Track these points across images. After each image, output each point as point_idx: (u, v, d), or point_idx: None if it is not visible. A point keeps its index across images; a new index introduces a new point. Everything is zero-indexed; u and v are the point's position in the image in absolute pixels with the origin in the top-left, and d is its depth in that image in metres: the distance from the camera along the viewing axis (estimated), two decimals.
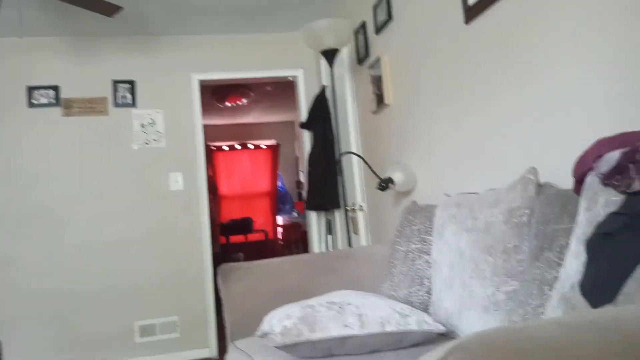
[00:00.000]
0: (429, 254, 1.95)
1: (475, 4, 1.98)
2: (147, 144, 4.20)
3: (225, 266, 2.24)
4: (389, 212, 3.03)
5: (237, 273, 2.21)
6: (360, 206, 3.42)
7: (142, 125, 4.22)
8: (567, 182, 1.41)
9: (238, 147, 8.50)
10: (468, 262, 1.61)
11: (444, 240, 1.81)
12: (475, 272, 1.56)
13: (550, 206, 1.35)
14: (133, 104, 4.22)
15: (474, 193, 1.86)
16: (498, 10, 1.87)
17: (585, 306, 0.94)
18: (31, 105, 4.05)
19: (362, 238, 3.40)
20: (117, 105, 4.19)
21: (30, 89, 4.06)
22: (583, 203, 1.11)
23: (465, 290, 1.59)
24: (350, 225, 3.54)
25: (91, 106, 4.15)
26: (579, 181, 1.16)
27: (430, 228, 1.99)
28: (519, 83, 1.79)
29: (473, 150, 2.12)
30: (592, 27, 1.45)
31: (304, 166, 4.33)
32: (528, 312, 1.25)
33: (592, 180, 1.10)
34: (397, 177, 2.65)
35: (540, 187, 1.48)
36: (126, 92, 4.23)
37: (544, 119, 1.67)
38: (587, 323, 0.54)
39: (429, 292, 1.90)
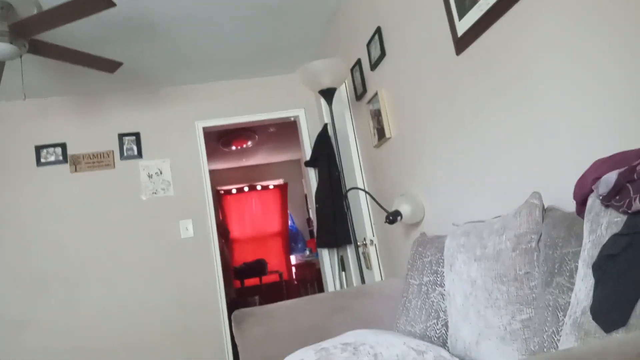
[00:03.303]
0: (442, 286, 1.92)
1: (465, 33, 2.01)
2: (155, 193, 4.24)
3: (238, 312, 2.22)
4: (400, 244, 3.01)
5: (250, 318, 2.20)
6: (371, 240, 3.40)
7: (150, 176, 4.26)
8: (570, 203, 1.40)
9: (246, 189, 8.53)
10: (481, 292, 1.59)
11: (455, 271, 1.79)
12: (489, 302, 1.54)
13: (557, 230, 1.34)
14: (139, 155, 4.28)
15: (481, 221, 1.86)
16: (487, 38, 1.90)
17: (597, 331, 0.93)
18: (40, 164, 4.12)
19: (375, 272, 3.37)
20: (123, 157, 4.25)
21: (38, 148, 4.14)
22: (586, 225, 1.10)
23: (481, 320, 1.57)
24: (363, 261, 3.51)
25: (98, 160, 4.22)
26: (581, 203, 1.16)
27: (442, 259, 1.97)
28: (513, 108, 1.80)
29: (475, 177, 2.12)
30: (587, 41, 1.47)
31: (312, 204, 4.33)
32: (544, 340, 1.23)
33: (593, 202, 1.10)
34: (404, 209, 2.64)
35: (545, 211, 1.48)
36: (132, 144, 4.29)
37: (542, 141, 1.68)
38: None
39: (445, 325, 1.87)
